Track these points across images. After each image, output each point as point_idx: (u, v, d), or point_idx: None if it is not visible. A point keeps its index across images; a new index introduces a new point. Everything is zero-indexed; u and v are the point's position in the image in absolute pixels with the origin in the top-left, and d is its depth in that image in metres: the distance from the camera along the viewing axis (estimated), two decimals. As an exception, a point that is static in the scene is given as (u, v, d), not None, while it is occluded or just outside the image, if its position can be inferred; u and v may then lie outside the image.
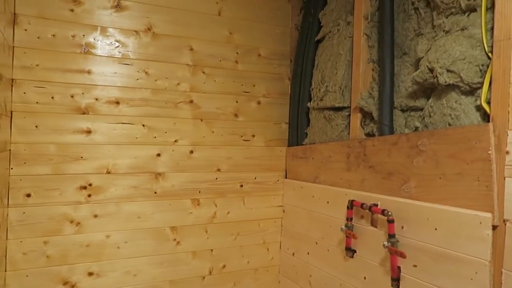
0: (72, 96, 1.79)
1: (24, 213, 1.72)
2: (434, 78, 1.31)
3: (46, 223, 1.75)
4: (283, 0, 2.27)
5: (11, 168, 1.69)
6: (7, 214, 1.69)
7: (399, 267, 1.43)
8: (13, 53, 1.69)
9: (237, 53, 2.14)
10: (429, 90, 1.42)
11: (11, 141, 1.69)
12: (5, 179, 1.63)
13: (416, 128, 1.48)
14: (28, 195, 1.72)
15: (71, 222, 1.80)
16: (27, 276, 1.72)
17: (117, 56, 1.88)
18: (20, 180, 1.71)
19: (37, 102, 1.73)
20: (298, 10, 2.23)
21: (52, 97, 1.76)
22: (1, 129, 1.46)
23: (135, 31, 1.92)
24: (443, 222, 1.29)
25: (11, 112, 1.69)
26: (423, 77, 1.36)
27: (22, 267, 1.72)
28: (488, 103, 1.19)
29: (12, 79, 1.69)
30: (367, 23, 1.69)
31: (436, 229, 1.31)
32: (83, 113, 1.82)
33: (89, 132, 1.83)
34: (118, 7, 1.88)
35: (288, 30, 2.28)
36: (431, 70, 1.32)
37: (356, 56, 1.72)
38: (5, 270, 1.69)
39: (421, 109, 1.47)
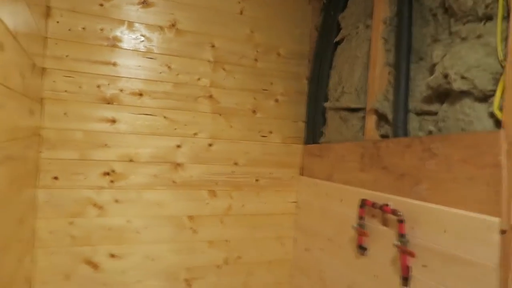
0: (98, 86, 1.89)
1: (51, 194, 1.82)
2: (448, 84, 1.34)
3: (71, 205, 1.86)
4: (304, 1, 2.31)
5: (41, 152, 1.80)
6: (37, 195, 1.80)
7: (409, 267, 1.46)
8: (46, 43, 1.79)
9: (257, 51, 2.20)
10: (443, 95, 1.45)
11: (42, 126, 1.80)
12: (36, 162, 1.73)
13: (430, 132, 1.51)
14: (56, 178, 1.83)
15: (94, 205, 1.90)
16: (53, 253, 1.83)
17: (141, 50, 1.96)
18: (49, 163, 1.82)
19: (65, 91, 1.83)
20: (318, 11, 2.26)
21: (80, 87, 1.86)
22: (33, 115, 1.56)
23: (159, 26, 1.99)
24: (452, 225, 1.32)
25: (42, 99, 1.80)
26: (438, 83, 1.39)
27: (49, 245, 1.83)
28: (501, 110, 1.21)
29: (43, 68, 1.80)
30: (385, 27, 1.71)
31: (445, 231, 1.34)
32: (108, 103, 1.91)
33: (113, 121, 1.92)
34: (144, 3, 1.96)
35: (307, 31, 2.32)
36: (446, 76, 1.34)
37: (373, 59, 1.74)
38: (34, 247, 1.80)
39: (435, 113, 1.49)
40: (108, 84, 1.91)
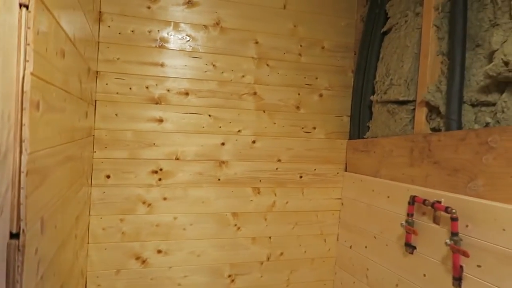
0: (147, 87, 1.95)
1: (104, 192, 1.91)
2: (510, 72, 1.25)
3: (122, 202, 1.94)
4: (349, -9, 2.25)
5: (95, 152, 1.89)
6: (90, 193, 1.89)
7: (461, 266, 1.40)
8: (98, 47, 1.87)
9: (301, 45, 2.18)
10: (503, 84, 1.36)
11: (95, 127, 1.88)
12: (90, 161, 1.82)
13: (487, 124, 1.43)
14: (108, 177, 1.91)
15: (144, 203, 1.97)
16: (105, 249, 1.92)
17: (187, 50, 2.00)
18: (102, 162, 1.90)
19: (117, 93, 1.91)
20: (364, 1, 2.20)
21: (130, 88, 1.92)
22: (87, 117, 1.63)
23: (204, 25, 2.02)
24: (513, 223, 1.24)
25: (95, 101, 1.88)
26: (497, 71, 1.30)
27: (101, 241, 1.91)
28: None
29: (97, 71, 1.88)
30: (438, 14, 1.63)
31: (504, 229, 1.26)
32: (156, 103, 1.96)
33: (161, 120, 1.97)
34: (189, 3, 2.00)
35: (353, 22, 2.26)
36: (507, 64, 1.26)
37: (425, 48, 1.67)
38: (88, 243, 1.89)
39: (493, 104, 1.41)
40: (156, 85, 1.96)
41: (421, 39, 1.70)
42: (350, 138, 2.28)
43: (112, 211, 1.92)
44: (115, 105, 1.91)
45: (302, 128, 2.22)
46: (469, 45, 1.52)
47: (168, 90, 1.98)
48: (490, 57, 1.39)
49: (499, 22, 1.39)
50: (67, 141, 1.11)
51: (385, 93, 1.89)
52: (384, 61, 1.94)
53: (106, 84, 1.89)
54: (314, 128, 2.24)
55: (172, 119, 1.99)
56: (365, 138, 2.13)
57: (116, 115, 1.91)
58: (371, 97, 2.03)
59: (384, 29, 1.96)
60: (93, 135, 1.88)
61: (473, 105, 1.50)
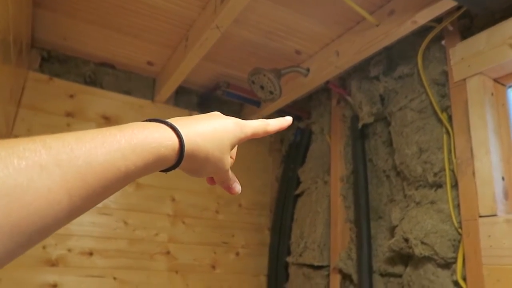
0: (44, 247, 1.73)
1: None
2: (410, 248, 1.33)
3: None
4: (264, 153, 2.40)
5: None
6: None
7: None
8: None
9: (218, 203, 2.17)
10: (406, 258, 1.43)
11: (-33, 297, 1.56)
12: None
13: (398, 295, 1.44)
14: None
15: None
16: None
17: (97, 206, 1.88)
18: None
19: (5, 254, 1.66)
20: (279, 163, 2.34)
21: (23, 248, 1.69)
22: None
23: (119, 181, 1.95)
24: None
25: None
26: (399, 246, 1.38)
27: None
28: (464, 279, 1.19)
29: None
30: (343, 185, 1.77)
31: None
32: (52, 265, 1.73)
33: (55, 286, 1.71)
34: (106, 158, 1.96)
35: (268, 181, 2.36)
36: (406, 240, 1.35)
37: (334, 216, 1.76)
38: None
39: (400, 276, 1.45)
40: (56, 244, 1.75)
41: (330, 207, 1.80)
42: (268, 299, 2.16)
43: None
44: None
45: (218, 289, 2.07)
46: (372, 216, 1.62)
47: (69, 250, 1.77)
48: (392, 231, 1.48)
49: (396, 198, 1.54)
50: None
51: (300, 255, 1.89)
52: (298, 223, 1.99)
53: (-6, 244, 1.65)
54: (231, 288, 2.10)
55: (69, 285, 1.74)
56: (283, 300, 2.03)
57: (-1, 280, 1.63)
58: (287, 258, 2.00)
59: (297, 192, 2.05)
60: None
61: (382, 275, 1.54)
